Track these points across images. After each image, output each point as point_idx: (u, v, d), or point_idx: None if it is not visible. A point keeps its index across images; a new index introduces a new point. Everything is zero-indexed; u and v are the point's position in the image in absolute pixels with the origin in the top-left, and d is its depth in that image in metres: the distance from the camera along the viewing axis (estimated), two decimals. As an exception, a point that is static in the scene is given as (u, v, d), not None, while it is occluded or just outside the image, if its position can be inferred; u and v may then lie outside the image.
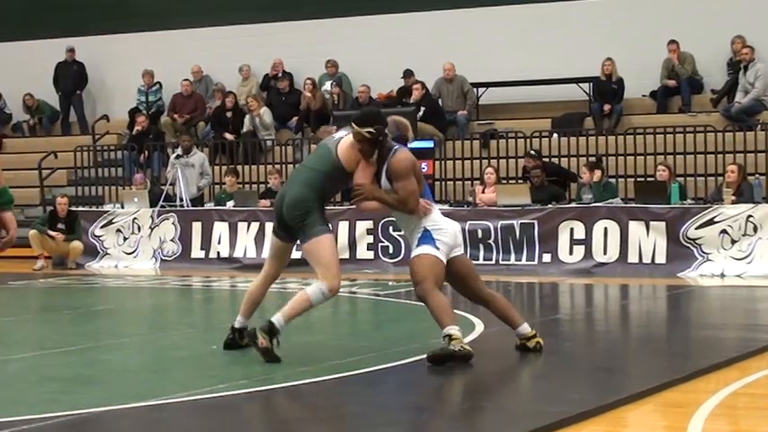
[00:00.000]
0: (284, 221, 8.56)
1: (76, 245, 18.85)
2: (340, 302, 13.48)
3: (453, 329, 8.40)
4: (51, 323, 11.99)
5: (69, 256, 18.90)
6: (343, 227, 17.24)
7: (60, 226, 18.90)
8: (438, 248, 8.57)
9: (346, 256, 16.96)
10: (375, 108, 8.53)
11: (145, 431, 6.54)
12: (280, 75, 22.89)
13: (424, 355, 8.36)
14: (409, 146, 8.75)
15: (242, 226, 18.02)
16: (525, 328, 8.80)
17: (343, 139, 8.53)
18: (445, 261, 8.60)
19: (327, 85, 22.48)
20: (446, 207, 17.42)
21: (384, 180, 8.52)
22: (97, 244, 19.12)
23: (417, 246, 8.60)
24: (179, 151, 19.83)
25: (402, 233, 8.64)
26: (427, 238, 8.59)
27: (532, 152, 18.33)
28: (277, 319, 8.31)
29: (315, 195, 8.45)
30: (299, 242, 8.57)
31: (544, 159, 18.33)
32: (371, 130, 8.33)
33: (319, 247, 8.38)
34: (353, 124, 8.42)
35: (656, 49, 20.47)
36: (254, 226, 17.88)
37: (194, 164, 19.51)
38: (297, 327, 11.12)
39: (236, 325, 8.85)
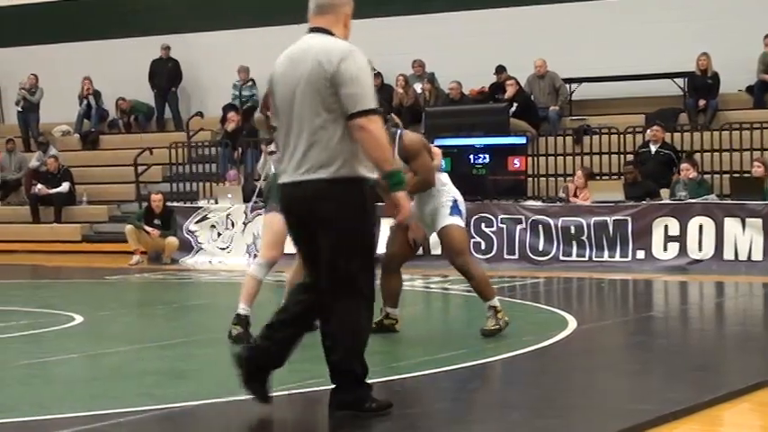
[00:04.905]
0: None
1: (172, 240, 19.05)
2: (431, 298, 13.49)
3: (497, 301, 9.26)
4: (146, 317, 12.14)
5: (165, 252, 19.10)
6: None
7: (156, 221, 19.10)
8: (463, 219, 9.34)
9: (439, 251, 16.93)
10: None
11: (238, 426, 6.59)
12: (374, 72, 22.92)
13: (514, 353, 8.37)
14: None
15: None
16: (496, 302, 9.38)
17: None
18: None
19: (418, 87, 22.41)
20: (539, 203, 17.37)
21: (397, 159, 8.94)
22: (192, 239, 19.30)
23: (450, 215, 9.22)
24: (272, 147, 19.91)
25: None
26: (456, 209, 9.28)
27: (658, 121, 18.42)
28: (240, 308, 9.12)
29: None
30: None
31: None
32: None
33: (267, 221, 9.33)
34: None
35: (753, 44, 20.16)
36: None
37: (287, 160, 19.57)
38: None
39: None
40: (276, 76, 6.29)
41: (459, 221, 9.24)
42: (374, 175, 6.16)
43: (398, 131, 9.20)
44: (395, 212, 6.19)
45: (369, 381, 6.31)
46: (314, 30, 6.32)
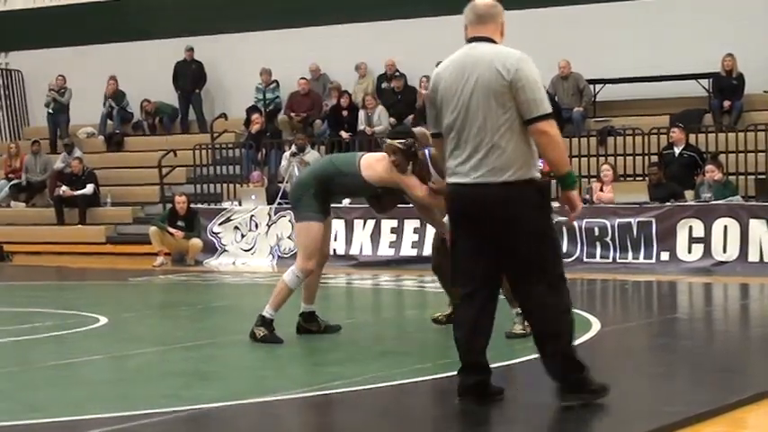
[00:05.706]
0: None
1: (196, 242, 19.09)
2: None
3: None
4: (171, 319, 12.18)
5: (188, 253, 19.14)
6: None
7: (180, 223, 19.15)
8: None
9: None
10: (405, 125, 9.62)
11: (262, 427, 6.61)
12: (397, 74, 22.89)
13: (539, 355, 8.36)
14: None
15: (358, 223, 18.08)
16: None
17: (367, 155, 9.52)
18: None
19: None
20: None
21: (435, 174, 9.20)
22: (215, 241, 19.35)
23: None
24: (294, 149, 19.99)
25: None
26: None
27: (679, 123, 18.29)
28: (266, 311, 9.28)
29: (317, 183, 9.32)
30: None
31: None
32: (403, 141, 9.17)
33: (303, 230, 9.33)
34: (387, 139, 9.40)
35: (779, 44, 20.11)
36: (370, 223, 17.93)
37: (309, 162, 19.61)
38: (413, 325, 11.14)
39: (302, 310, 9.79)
40: (442, 82, 6.62)
41: None
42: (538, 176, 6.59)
43: (427, 151, 9.31)
44: (570, 209, 6.63)
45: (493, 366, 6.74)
46: (476, 39, 6.61)
